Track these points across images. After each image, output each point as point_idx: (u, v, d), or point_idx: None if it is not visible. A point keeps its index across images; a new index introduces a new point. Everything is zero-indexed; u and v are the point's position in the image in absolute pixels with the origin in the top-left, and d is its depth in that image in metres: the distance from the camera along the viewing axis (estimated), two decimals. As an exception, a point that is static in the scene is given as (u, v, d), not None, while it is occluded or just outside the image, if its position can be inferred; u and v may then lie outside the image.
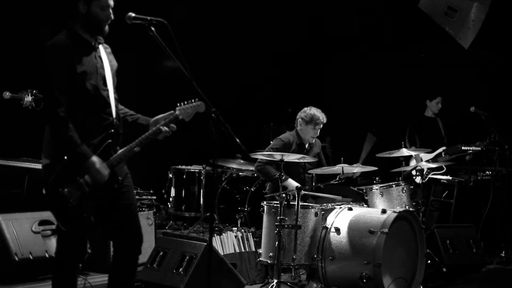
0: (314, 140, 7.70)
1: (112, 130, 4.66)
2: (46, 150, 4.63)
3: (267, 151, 7.34)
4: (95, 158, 4.47)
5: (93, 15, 4.59)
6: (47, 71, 4.47)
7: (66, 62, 4.45)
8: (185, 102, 4.81)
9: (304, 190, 6.92)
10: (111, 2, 4.65)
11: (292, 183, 7.18)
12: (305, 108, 7.60)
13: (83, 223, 4.56)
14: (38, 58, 4.60)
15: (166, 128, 4.75)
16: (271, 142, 7.75)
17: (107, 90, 4.68)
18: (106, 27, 4.67)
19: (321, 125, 7.56)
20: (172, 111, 4.80)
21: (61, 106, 4.41)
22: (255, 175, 9.26)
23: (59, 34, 4.59)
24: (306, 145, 7.63)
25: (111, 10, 4.65)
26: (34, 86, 7.50)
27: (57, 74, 4.43)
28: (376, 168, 7.16)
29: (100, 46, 4.76)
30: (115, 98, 4.76)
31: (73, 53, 4.50)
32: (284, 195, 6.31)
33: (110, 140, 4.63)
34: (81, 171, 4.46)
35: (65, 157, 4.44)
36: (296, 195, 6.26)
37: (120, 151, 4.68)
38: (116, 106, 4.77)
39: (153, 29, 4.45)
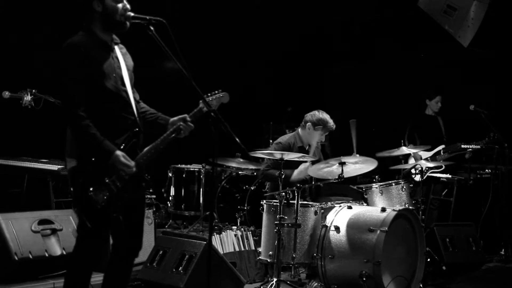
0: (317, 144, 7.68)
1: (136, 129, 4.64)
2: (70, 152, 4.58)
3: (267, 160, 7.35)
4: (119, 152, 4.43)
5: (109, 10, 4.54)
6: (64, 71, 4.42)
7: (83, 62, 4.41)
8: (209, 94, 4.83)
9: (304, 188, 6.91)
10: None
11: (297, 171, 7.18)
12: (316, 112, 7.52)
13: (112, 223, 4.54)
14: (53, 58, 4.57)
15: (185, 125, 4.79)
16: (270, 141, 7.73)
17: (126, 89, 4.65)
18: (125, 20, 4.58)
19: (328, 132, 7.56)
20: (200, 106, 4.79)
21: (79, 105, 4.37)
22: (255, 174, 9.28)
23: (75, 35, 4.54)
24: (307, 147, 7.61)
25: (126, 1, 4.60)
26: (33, 85, 7.51)
27: (75, 74, 4.39)
28: (375, 161, 7.12)
29: (116, 47, 4.73)
30: (134, 98, 4.74)
31: (91, 54, 4.47)
32: (283, 193, 6.30)
33: (135, 139, 4.62)
34: (109, 172, 4.43)
35: (93, 159, 4.40)
36: (296, 194, 6.27)
37: (145, 149, 4.66)
38: (136, 105, 4.74)
39: (152, 28, 4.45)
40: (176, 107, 5.03)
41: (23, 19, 8.75)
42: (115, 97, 4.56)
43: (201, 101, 4.76)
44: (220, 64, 11.00)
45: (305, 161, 7.12)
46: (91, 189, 4.37)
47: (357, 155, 7.23)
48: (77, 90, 4.38)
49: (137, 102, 4.79)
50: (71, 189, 4.51)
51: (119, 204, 4.47)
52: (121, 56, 4.73)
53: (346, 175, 6.80)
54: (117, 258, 4.84)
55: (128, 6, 4.59)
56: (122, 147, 4.50)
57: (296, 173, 7.22)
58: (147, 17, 4.47)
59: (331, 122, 7.47)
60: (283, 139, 7.63)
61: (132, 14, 4.50)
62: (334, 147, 10.77)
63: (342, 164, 6.75)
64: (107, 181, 4.41)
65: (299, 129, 7.64)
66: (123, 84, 4.64)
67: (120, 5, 4.56)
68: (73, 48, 4.43)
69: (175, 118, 4.85)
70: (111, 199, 4.42)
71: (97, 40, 4.57)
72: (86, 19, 4.59)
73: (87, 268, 4.65)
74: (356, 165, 6.97)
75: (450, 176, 9.17)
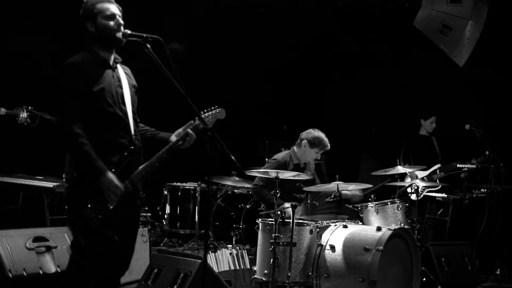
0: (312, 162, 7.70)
1: (132, 147, 4.63)
2: (68, 169, 4.60)
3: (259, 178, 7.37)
4: (110, 174, 4.41)
5: (101, 28, 4.57)
6: (62, 89, 4.45)
7: (82, 81, 4.43)
8: (205, 110, 4.84)
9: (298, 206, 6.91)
10: (116, 10, 4.63)
11: (286, 205, 7.17)
12: (311, 131, 7.57)
13: (107, 241, 4.48)
14: (52, 76, 4.61)
15: (183, 140, 4.79)
16: (266, 159, 7.73)
17: (125, 109, 4.64)
18: (120, 35, 4.58)
19: (323, 151, 7.58)
20: (192, 121, 4.80)
21: (76, 122, 4.37)
22: (250, 192, 9.27)
23: (76, 55, 4.57)
24: (302, 165, 7.62)
25: (119, 17, 4.62)
26: (29, 102, 7.52)
27: (73, 92, 4.41)
28: (371, 186, 7.17)
29: (119, 66, 4.75)
30: (134, 118, 4.72)
31: (90, 72, 4.48)
32: (279, 212, 6.30)
33: (130, 158, 4.60)
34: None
35: (88, 176, 4.40)
36: (291, 213, 6.27)
37: (141, 167, 4.66)
38: (135, 125, 4.73)
39: (148, 46, 4.46)
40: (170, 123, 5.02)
41: (19, 36, 8.76)
42: (111, 116, 4.55)
43: (196, 117, 4.75)
44: (216, 82, 11.01)
45: (300, 179, 7.14)
46: (88, 207, 4.36)
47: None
48: (74, 107, 4.39)
49: (136, 122, 4.77)
50: (66, 206, 4.51)
51: (113, 223, 4.45)
52: (124, 76, 4.73)
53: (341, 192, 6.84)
54: (103, 277, 4.77)
55: (121, 21, 4.61)
56: (115, 167, 4.49)
57: (287, 206, 7.21)
58: (144, 35, 4.48)
59: (326, 141, 7.50)
60: (278, 156, 7.67)
61: (129, 32, 4.51)
62: (330, 166, 10.79)
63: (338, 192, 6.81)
64: (102, 199, 4.40)
65: (295, 147, 7.67)
66: (123, 103, 4.64)
67: (112, 22, 4.58)
68: (72, 67, 4.46)
69: (180, 130, 4.84)
70: (105, 217, 4.40)
71: (97, 58, 4.59)
72: (86, 39, 4.64)
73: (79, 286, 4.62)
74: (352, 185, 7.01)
75: (445, 195, 9.18)
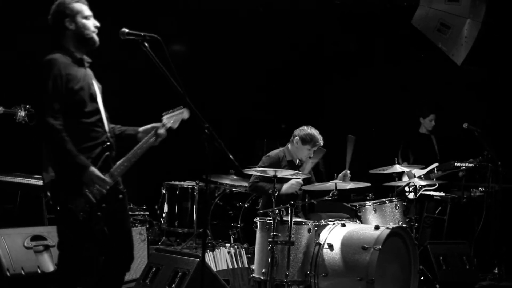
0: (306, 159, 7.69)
1: (108, 143, 4.72)
2: (47, 165, 4.63)
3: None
4: (93, 169, 4.49)
5: (81, 28, 4.70)
6: (44, 85, 4.49)
7: (63, 77, 4.52)
8: (170, 111, 4.93)
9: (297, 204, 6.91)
10: (90, 12, 4.78)
11: (286, 185, 7.18)
12: (304, 127, 7.54)
13: (97, 235, 4.56)
14: (33, 72, 4.65)
15: (156, 137, 4.89)
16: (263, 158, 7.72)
17: (99, 106, 4.76)
18: (96, 37, 4.77)
19: (316, 148, 7.54)
20: (159, 123, 4.92)
21: (57, 119, 4.45)
22: (247, 191, 9.26)
23: (53, 53, 4.64)
24: (297, 162, 7.60)
25: (94, 19, 4.78)
26: (27, 101, 7.51)
27: (54, 88, 4.48)
28: (369, 184, 7.17)
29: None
30: (106, 116, 4.83)
31: (71, 70, 4.59)
32: (277, 211, 6.30)
33: (108, 153, 4.69)
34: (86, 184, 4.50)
35: (70, 171, 4.47)
36: (290, 211, 6.26)
37: (118, 162, 4.72)
38: (108, 122, 4.83)
39: (146, 44, 4.47)
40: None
41: (17, 36, 8.75)
42: (89, 113, 4.67)
43: (163, 116, 4.92)
44: (214, 81, 11.02)
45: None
46: (71, 201, 4.43)
47: (348, 171, 7.25)
48: (55, 104, 4.47)
49: (107, 119, 4.87)
50: (51, 202, 4.55)
51: (100, 216, 4.52)
52: (92, 75, 4.87)
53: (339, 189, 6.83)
54: (107, 273, 4.84)
55: (97, 23, 4.78)
56: (94, 162, 4.57)
57: (285, 187, 7.21)
58: (142, 33, 4.49)
59: (319, 138, 7.46)
60: (272, 153, 7.63)
61: (127, 30, 4.51)
62: (328, 165, 10.78)
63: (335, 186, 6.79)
64: (86, 192, 4.46)
65: (289, 144, 7.65)
66: (96, 101, 4.75)
67: (90, 22, 4.75)
68: (53, 63, 4.54)
69: (147, 126, 4.96)
70: (91, 211, 4.47)
71: (73, 57, 4.71)
72: (59, 37, 4.75)
73: (71, 284, 4.67)
74: (350, 184, 7.01)
75: (443, 194, 9.18)
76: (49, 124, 4.41)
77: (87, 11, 4.75)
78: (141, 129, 4.96)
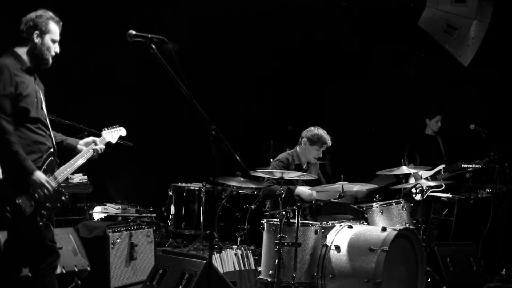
0: (314, 160, 7.68)
1: (52, 150, 4.96)
2: None
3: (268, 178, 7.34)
4: (39, 173, 4.73)
5: (45, 46, 4.93)
6: None
7: (12, 82, 4.70)
8: (110, 127, 5.51)
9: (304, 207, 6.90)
10: (58, 37, 5.00)
11: (302, 189, 7.19)
12: (312, 128, 7.54)
13: (40, 229, 4.82)
14: None
15: (97, 149, 5.30)
16: (271, 160, 7.71)
17: (45, 113, 4.99)
18: (51, 60, 5.00)
19: (325, 148, 7.54)
20: (98, 138, 5.39)
21: (8, 120, 4.64)
22: (255, 192, 9.26)
23: (4, 55, 4.84)
24: (304, 166, 7.60)
25: (57, 45, 5.00)
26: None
27: (3, 92, 4.65)
28: (376, 186, 7.16)
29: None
30: (50, 123, 5.06)
31: (20, 77, 4.78)
32: (284, 213, 6.29)
33: (51, 158, 4.93)
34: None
35: (17, 171, 4.67)
36: (297, 213, 6.26)
37: (61, 167, 5.03)
38: (51, 128, 5.08)
39: (153, 46, 4.47)
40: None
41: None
42: (35, 119, 4.88)
43: (103, 132, 5.47)
44: (220, 82, 11.02)
45: (305, 179, 7.14)
46: (18, 197, 4.65)
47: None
48: (5, 107, 4.64)
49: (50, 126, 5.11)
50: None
51: (44, 213, 4.79)
52: (39, 82, 5.06)
53: (346, 191, 6.83)
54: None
55: (58, 50, 5.02)
56: (41, 166, 4.83)
57: (301, 189, 7.22)
58: (149, 35, 4.49)
59: (327, 138, 7.46)
60: (282, 157, 7.59)
61: (134, 32, 4.51)
62: (334, 165, 10.78)
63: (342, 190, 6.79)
64: (31, 191, 4.69)
65: (297, 147, 7.63)
66: (42, 108, 4.97)
67: (53, 46, 4.98)
68: (5, 67, 4.72)
69: (87, 139, 5.37)
70: (36, 207, 4.72)
71: (23, 64, 4.88)
72: (19, 42, 4.94)
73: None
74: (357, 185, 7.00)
75: (450, 195, 9.16)
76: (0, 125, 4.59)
77: (57, 35, 4.98)
78: (81, 141, 5.30)
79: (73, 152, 5.24)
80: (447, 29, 10.44)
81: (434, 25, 10.54)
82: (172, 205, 9.66)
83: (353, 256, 6.24)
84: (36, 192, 4.70)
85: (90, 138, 5.35)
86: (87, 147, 5.25)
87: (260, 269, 6.61)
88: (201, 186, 9.48)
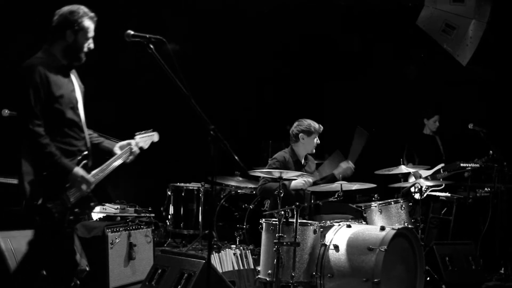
0: (309, 155, 7.67)
1: (86, 152, 4.82)
2: (26, 166, 4.70)
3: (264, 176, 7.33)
4: (78, 168, 4.64)
5: (78, 44, 4.77)
6: (26, 90, 4.55)
7: (44, 82, 4.57)
8: (143, 132, 5.21)
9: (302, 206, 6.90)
10: (93, 33, 4.82)
11: (295, 181, 7.18)
12: (300, 121, 7.49)
13: (66, 236, 4.73)
14: (13, 78, 4.71)
15: (130, 154, 5.09)
16: (269, 160, 7.69)
17: (79, 113, 4.84)
18: (84, 57, 4.84)
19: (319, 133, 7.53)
20: (133, 141, 5.14)
21: (40, 124, 4.54)
22: (254, 192, 9.26)
23: (35, 55, 4.70)
24: (302, 161, 7.58)
25: (91, 41, 4.82)
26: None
27: (36, 93, 4.54)
28: (375, 185, 7.16)
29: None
30: (85, 123, 4.92)
31: (53, 76, 4.63)
32: (282, 212, 6.29)
33: (85, 161, 4.78)
34: (63, 186, 4.60)
35: (44, 173, 4.56)
36: (295, 212, 6.26)
37: (94, 171, 4.85)
38: (86, 129, 4.94)
39: (151, 46, 4.47)
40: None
41: (23, 37, 8.77)
42: (69, 120, 4.75)
43: (136, 136, 5.16)
44: (219, 83, 11.01)
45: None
46: (50, 201, 4.53)
47: (350, 162, 7.25)
48: (38, 109, 4.55)
49: (86, 126, 4.96)
50: (27, 202, 4.59)
51: (71, 219, 4.66)
52: (75, 79, 4.91)
53: (344, 189, 6.83)
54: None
55: (92, 46, 4.84)
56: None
57: (294, 182, 7.21)
58: (147, 35, 4.50)
59: (318, 125, 7.46)
60: (278, 156, 7.53)
61: (132, 32, 4.52)
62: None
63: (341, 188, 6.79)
64: (62, 195, 4.58)
65: (293, 144, 7.59)
66: (77, 108, 4.83)
67: (86, 43, 4.81)
68: (35, 68, 4.58)
69: (123, 142, 5.12)
70: (64, 213, 4.59)
71: (57, 63, 4.74)
72: (51, 40, 4.79)
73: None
74: (356, 184, 6.99)
75: (449, 194, 9.17)
76: (31, 130, 4.52)
77: (91, 32, 4.81)
78: (118, 144, 5.10)
79: (110, 155, 5.06)
80: (445, 29, 10.44)
81: (433, 24, 10.55)
82: (170, 205, 9.66)
83: (352, 255, 6.25)
84: (76, 188, 4.61)
85: (126, 142, 5.13)
86: (122, 150, 5.07)
87: (259, 269, 6.62)
88: (200, 186, 9.48)
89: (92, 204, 4.86)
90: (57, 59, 4.74)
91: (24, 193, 4.61)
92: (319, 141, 7.55)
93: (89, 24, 4.77)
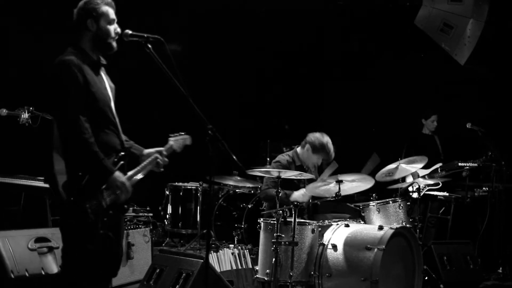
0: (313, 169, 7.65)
1: (123, 153, 4.62)
2: (60, 167, 4.51)
3: (267, 180, 7.31)
4: (118, 172, 4.42)
5: (103, 31, 4.55)
6: (65, 87, 4.34)
7: (81, 79, 4.35)
8: (176, 134, 5.01)
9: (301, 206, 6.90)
10: (114, 16, 4.61)
11: (296, 193, 7.16)
12: (318, 135, 7.41)
13: (101, 238, 4.44)
14: (46, 75, 4.48)
15: (162, 158, 4.87)
16: (268, 159, 7.70)
17: (113, 111, 4.62)
18: (115, 44, 4.62)
19: (325, 160, 7.49)
20: (163, 148, 4.92)
21: (86, 119, 4.32)
22: (252, 192, 9.26)
23: (66, 52, 4.48)
24: (305, 167, 7.56)
25: (117, 24, 4.61)
26: (31, 103, 7.51)
27: (76, 90, 4.33)
28: (372, 180, 7.15)
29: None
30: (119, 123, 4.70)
31: (83, 72, 4.41)
32: (280, 212, 6.29)
33: (123, 162, 4.58)
34: (100, 187, 4.38)
35: (80, 173, 4.32)
36: (293, 212, 6.26)
37: (129, 173, 4.63)
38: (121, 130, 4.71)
39: (149, 46, 4.46)
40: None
41: (21, 37, 8.77)
42: (105, 118, 4.53)
43: (170, 139, 4.95)
44: (217, 82, 11.01)
45: (311, 180, 7.13)
46: (88, 201, 4.31)
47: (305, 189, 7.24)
48: (79, 103, 4.32)
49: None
50: (66, 204, 4.40)
51: (106, 221, 4.42)
52: (105, 77, 4.69)
53: (343, 193, 6.81)
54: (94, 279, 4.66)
55: (118, 29, 4.60)
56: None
57: (297, 194, 7.18)
58: (145, 35, 4.48)
59: (331, 150, 7.35)
60: (281, 158, 7.50)
61: (130, 32, 4.50)
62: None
63: (339, 182, 6.75)
64: (99, 196, 4.36)
65: (299, 148, 7.56)
66: (111, 107, 4.61)
67: (112, 28, 4.57)
68: (70, 65, 4.36)
69: (151, 150, 4.88)
70: (99, 215, 4.37)
71: (88, 59, 4.54)
72: (76, 36, 4.58)
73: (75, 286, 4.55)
74: (353, 183, 6.96)
75: (447, 194, 9.17)
76: (76, 127, 4.28)
77: (112, 15, 4.58)
78: (145, 151, 4.88)
79: (136, 161, 4.80)
80: (443, 28, 10.44)
81: (431, 24, 10.54)
82: (169, 205, 9.66)
83: (350, 254, 6.25)
84: (108, 194, 4.38)
85: (154, 149, 4.88)
86: (150, 158, 4.82)
87: (257, 268, 6.62)
88: (198, 185, 9.49)
89: (126, 206, 4.67)
90: (87, 55, 4.55)
91: (58, 193, 4.38)
92: (320, 163, 7.53)
93: (107, 9, 4.57)
